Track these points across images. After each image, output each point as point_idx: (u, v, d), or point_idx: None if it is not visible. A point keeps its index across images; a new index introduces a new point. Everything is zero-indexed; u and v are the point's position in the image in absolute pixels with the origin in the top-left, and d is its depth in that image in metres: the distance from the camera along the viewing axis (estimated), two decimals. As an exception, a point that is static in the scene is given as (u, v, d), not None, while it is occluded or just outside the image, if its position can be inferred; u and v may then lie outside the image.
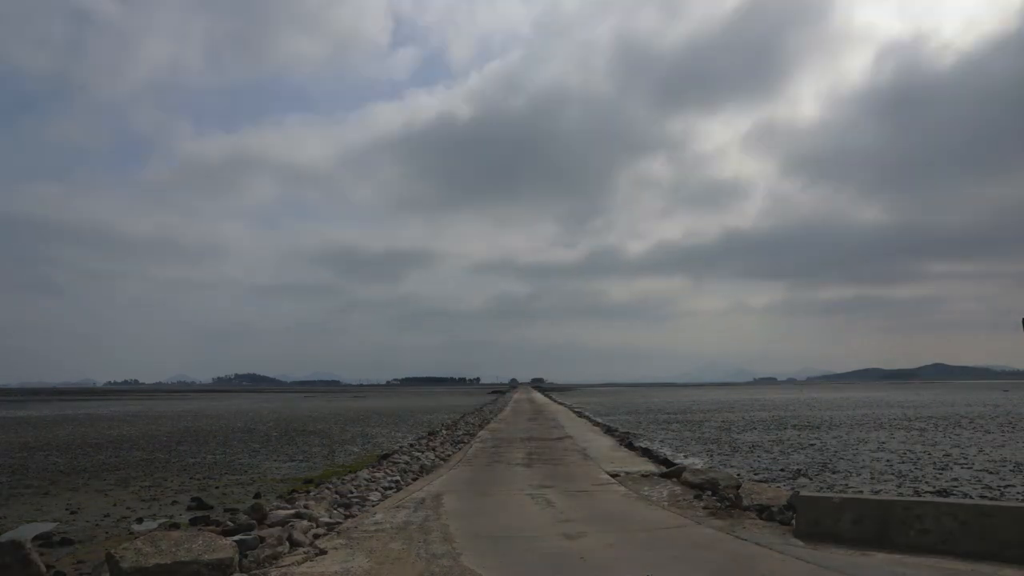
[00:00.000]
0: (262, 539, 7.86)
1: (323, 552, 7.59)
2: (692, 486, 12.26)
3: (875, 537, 7.69)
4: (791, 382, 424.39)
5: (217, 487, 15.45)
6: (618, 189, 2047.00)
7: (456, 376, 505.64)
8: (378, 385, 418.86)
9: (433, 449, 20.59)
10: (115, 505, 13.18)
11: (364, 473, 14.74)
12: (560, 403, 67.58)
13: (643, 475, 14.29)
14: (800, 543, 7.86)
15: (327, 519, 9.54)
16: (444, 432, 28.48)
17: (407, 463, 16.63)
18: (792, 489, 12.10)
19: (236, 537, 7.82)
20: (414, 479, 14.41)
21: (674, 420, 39.83)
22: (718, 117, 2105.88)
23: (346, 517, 10.00)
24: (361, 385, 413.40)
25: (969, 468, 17.12)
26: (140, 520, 11.55)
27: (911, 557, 7.14)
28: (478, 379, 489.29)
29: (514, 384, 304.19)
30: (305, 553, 7.51)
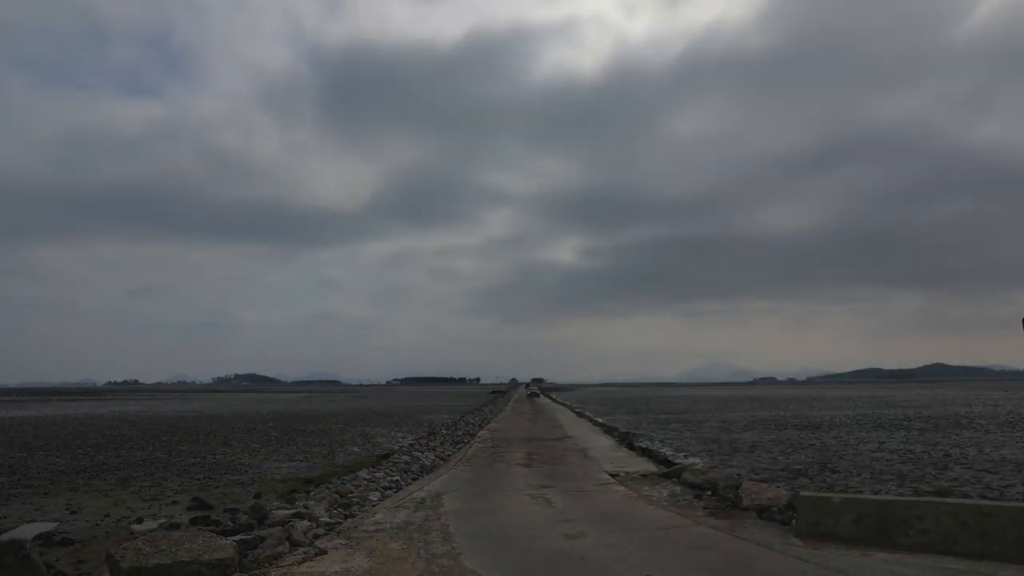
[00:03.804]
0: (262, 539, 7.86)
1: (323, 552, 7.59)
2: (692, 486, 12.27)
3: (875, 537, 7.69)
4: (791, 382, 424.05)
5: (217, 487, 15.43)
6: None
7: (456, 376, 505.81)
8: (378, 385, 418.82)
9: (433, 449, 20.59)
10: (115, 505, 13.17)
11: (364, 473, 14.74)
12: (560, 403, 67.58)
13: (643, 475, 14.30)
14: (800, 543, 7.86)
15: (327, 519, 9.55)
16: (444, 432, 28.48)
17: (407, 463, 16.63)
18: (792, 489, 12.09)
19: (236, 537, 7.82)
20: (414, 479, 14.41)
21: (674, 420, 39.79)
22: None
23: (346, 517, 10.01)
24: (361, 385, 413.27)
25: (969, 468, 17.09)
26: (140, 520, 11.53)
27: (911, 557, 7.14)
28: (478, 379, 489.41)
29: (515, 384, 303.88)
30: (305, 553, 7.50)
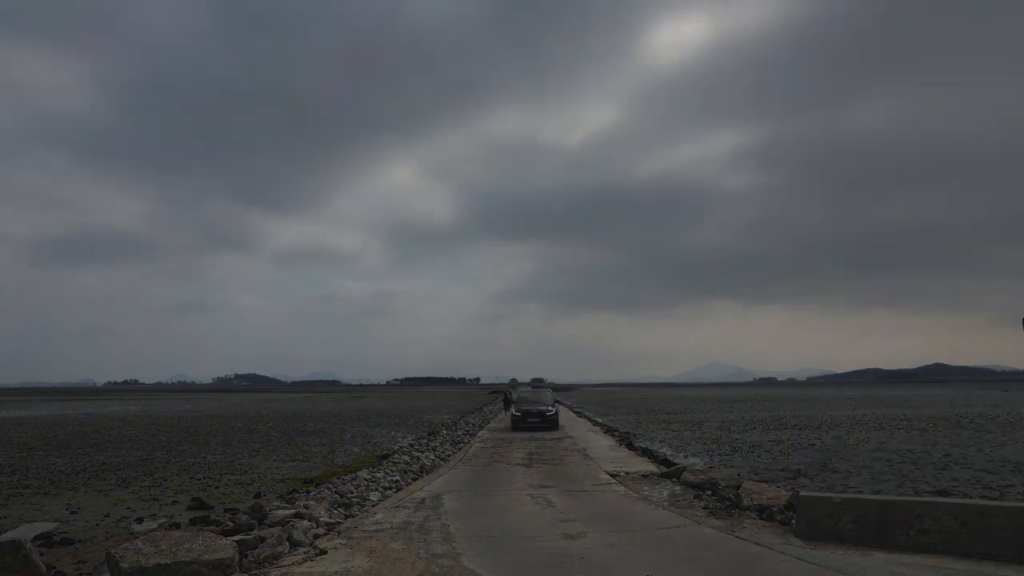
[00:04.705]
0: (262, 539, 7.86)
1: (323, 552, 7.59)
2: (692, 486, 12.27)
3: (875, 537, 7.69)
4: (791, 382, 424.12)
5: (217, 487, 15.43)
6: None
7: (456, 376, 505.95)
8: (378, 385, 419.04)
9: (433, 449, 20.59)
10: (115, 505, 13.17)
11: (364, 473, 14.74)
12: (560, 403, 67.59)
13: (643, 475, 14.29)
14: (800, 543, 7.86)
15: (327, 519, 9.55)
16: (444, 432, 28.50)
17: (407, 463, 16.63)
18: (792, 489, 12.10)
19: (236, 537, 7.82)
20: (414, 479, 14.42)
21: (674, 420, 39.80)
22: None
23: (346, 517, 10.01)
24: (361, 385, 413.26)
25: (969, 468, 17.10)
26: (140, 520, 11.54)
27: (911, 557, 7.14)
28: (478, 379, 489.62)
29: (515, 384, 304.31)
30: (305, 553, 7.50)
